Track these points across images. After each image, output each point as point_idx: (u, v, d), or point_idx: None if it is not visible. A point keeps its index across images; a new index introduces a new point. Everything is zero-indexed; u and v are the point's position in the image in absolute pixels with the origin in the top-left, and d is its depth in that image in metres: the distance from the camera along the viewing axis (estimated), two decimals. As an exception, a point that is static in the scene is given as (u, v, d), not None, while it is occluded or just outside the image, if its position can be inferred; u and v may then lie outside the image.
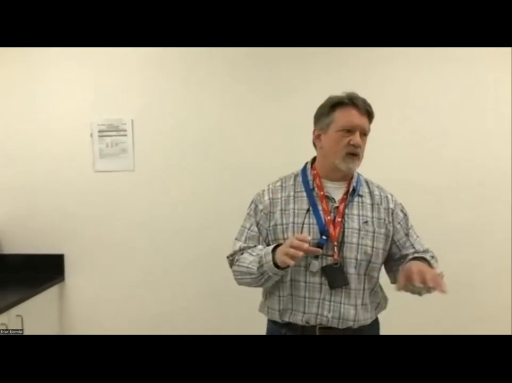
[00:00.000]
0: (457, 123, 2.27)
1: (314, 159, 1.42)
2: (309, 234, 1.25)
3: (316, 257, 1.26)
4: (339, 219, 1.29)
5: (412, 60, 2.26)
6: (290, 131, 2.25)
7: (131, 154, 2.34)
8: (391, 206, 1.37)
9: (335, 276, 1.27)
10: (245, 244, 1.36)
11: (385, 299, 1.41)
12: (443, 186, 2.27)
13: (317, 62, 2.28)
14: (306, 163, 1.42)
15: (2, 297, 1.97)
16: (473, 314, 2.27)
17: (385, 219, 1.34)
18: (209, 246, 2.28)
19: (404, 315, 2.15)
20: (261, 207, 1.37)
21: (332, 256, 1.27)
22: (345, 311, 1.27)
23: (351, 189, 1.33)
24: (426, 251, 1.37)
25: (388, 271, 1.41)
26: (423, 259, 1.27)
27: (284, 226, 1.31)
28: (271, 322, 1.39)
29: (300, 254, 1.11)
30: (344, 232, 1.28)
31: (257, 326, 1.46)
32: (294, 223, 1.30)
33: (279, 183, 1.40)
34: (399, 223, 1.37)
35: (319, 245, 1.25)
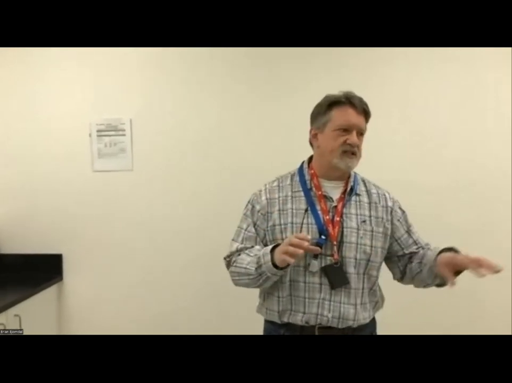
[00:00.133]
0: (457, 123, 2.27)
1: (310, 159, 1.41)
2: (308, 234, 1.24)
3: (315, 257, 1.26)
4: (338, 219, 1.29)
5: (412, 60, 2.26)
6: (290, 131, 2.25)
7: (130, 154, 2.34)
8: (389, 204, 1.37)
9: (336, 276, 1.26)
10: (242, 245, 1.35)
11: (382, 298, 1.41)
12: (443, 186, 2.27)
13: (317, 62, 2.27)
14: (303, 162, 1.41)
15: (1, 297, 1.97)
16: (473, 314, 2.27)
17: (382, 218, 1.33)
18: (209, 246, 2.27)
19: (404, 315, 2.15)
20: (258, 207, 1.36)
21: (331, 255, 1.27)
22: (345, 311, 1.27)
23: (348, 188, 1.33)
24: (427, 245, 1.39)
25: (393, 267, 1.41)
26: (451, 250, 1.27)
27: (282, 226, 1.31)
28: (269, 322, 1.38)
29: (300, 251, 1.11)
30: (342, 231, 1.28)
31: (257, 326, 1.45)
32: (292, 223, 1.30)
33: (275, 183, 1.39)
34: (398, 220, 1.37)
35: (318, 245, 1.25)
